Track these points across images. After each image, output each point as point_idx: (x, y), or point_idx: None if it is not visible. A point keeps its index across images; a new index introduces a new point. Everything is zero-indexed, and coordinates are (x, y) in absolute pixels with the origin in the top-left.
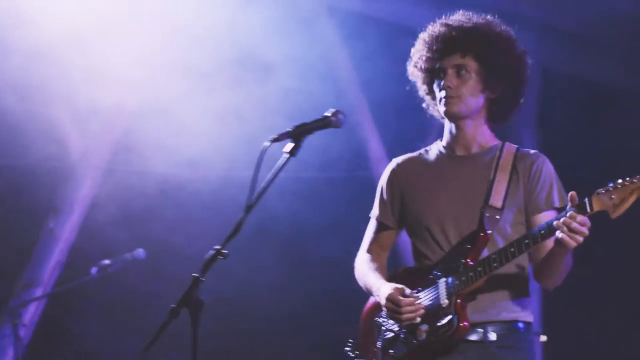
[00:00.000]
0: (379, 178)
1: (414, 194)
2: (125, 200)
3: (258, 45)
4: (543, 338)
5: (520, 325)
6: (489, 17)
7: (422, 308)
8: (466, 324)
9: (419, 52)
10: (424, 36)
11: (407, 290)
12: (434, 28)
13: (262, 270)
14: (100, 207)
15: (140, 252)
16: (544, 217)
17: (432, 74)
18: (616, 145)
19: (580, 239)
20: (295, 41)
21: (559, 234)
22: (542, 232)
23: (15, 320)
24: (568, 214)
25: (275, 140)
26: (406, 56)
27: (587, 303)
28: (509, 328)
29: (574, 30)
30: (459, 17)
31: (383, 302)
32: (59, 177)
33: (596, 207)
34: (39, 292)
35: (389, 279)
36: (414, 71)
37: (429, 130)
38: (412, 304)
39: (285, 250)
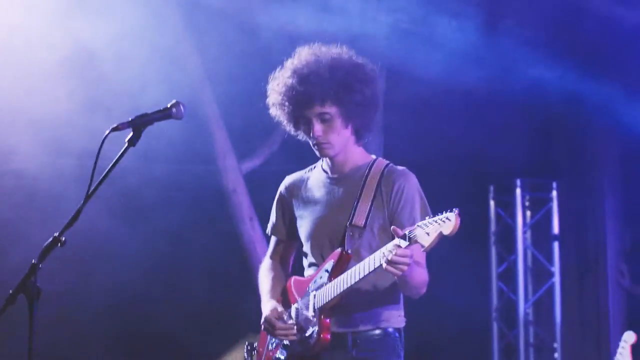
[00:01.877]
0: (223, 171)
1: (296, 213)
2: None
3: (104, 36)
4: None
5: (386, 330)
6: (337, 50)
7: (294, 331)
8: (327, 336)
9: (277, 98)
10: (278, 84)
11: (284, 314)
12: (287, 77)
13: (110, 258)
14: None
15: None
16: None
17: (297, 120)
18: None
19: (404, 268)
20: (144, 32)
21: (385, 266)
22: (375, 261)
23: None
24: (390, 247)
25: (115, 129)
26: (256, 53)
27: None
28: (371, 334)
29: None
30: (309, 58)
31: (262, 320)
32: None
33: (413, 240)
34: None
35: (282, 290)
36: (276, 112)
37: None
38: (283, 328)
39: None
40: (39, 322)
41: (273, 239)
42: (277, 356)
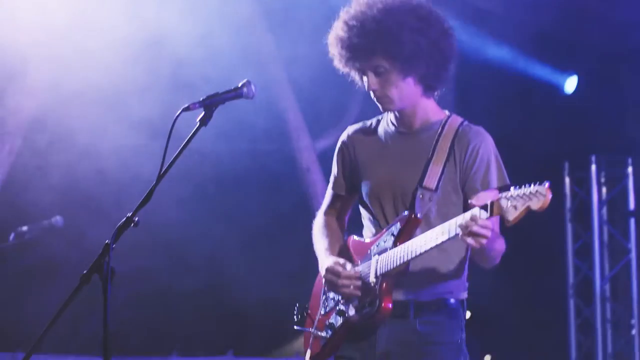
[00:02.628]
0: (298, 151)
1: (359, 166)
2: (45, 167)
3: (174, 21)
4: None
5: (449, 302)
6: None
7: (358, 282)
8: (389, 305)
9: (332, 51)
10: (331, 36)
11: (348, 265)
12: (339, 29)
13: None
14: (19, 173)
15: (58, 219)
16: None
17: (355, 72)
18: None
19: (483, 241)
20: (212, 15)
21: (460, 234)
22: (450, 229)
23: None
24: (468, 217)
25: (186, 109)
26: (325, 32)
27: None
28: (434, 305)
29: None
30: (359, 8)
31: (323, 273)
32: None
33: (496, 212)
34: None
35: (339, 249)
36: (336, 64)
37: (349, 102)
38: (349, 277)
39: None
40: (112, 303)
41: (330, 193)
42: (330, 321)
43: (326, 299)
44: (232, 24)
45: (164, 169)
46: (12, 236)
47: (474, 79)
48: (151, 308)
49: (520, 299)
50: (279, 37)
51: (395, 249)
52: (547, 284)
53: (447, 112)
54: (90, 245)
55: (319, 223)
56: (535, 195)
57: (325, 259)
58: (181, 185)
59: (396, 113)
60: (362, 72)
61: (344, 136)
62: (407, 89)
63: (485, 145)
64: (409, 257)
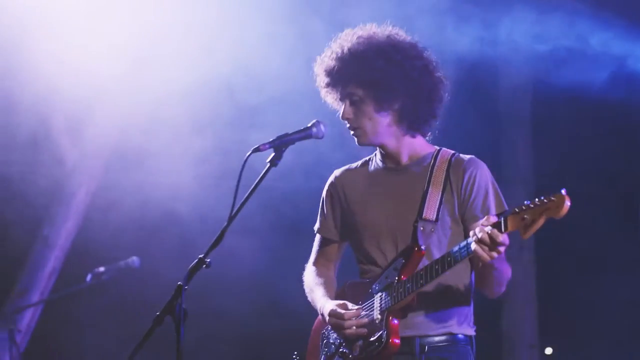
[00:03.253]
0: None
1: (350, 208)
2: (120, 209)
3: (252, 59)
4: (548, 351)
5: (457, 337)
6: (377, 30)
7: (363, 319)
8: (396, 340)
9: (317, 81)
10: (316, 66)
11: (350, 305)
12: (323, 57)
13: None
14: (96, 214)
15: (134, 260)
16: None
17: (335, 102)
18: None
19: (495, 255)
20: (286, 53)
21: (474, 247)
22: (462, 249)
23: (12, 326)
24: (489, 232)
25: (256, 150)
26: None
27: (582, 315)
28: (440, 341)
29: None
30: (342, 39)
31: (327, 318)
32: (54, 185)
33: (510, 227)
34: (35, 298)
35: (336, 295)
36: (321, 94)
37: None
38: (353, 316)
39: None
40: (185, 344)
41: (318, 239)
42: None
43: (326, 344)
44: (305, 63)
45: (234, 210)
46: (89, 277)
47: (550, 115)
48: (227, 350)
49: (598, 339)
50: None
51: (400, 283)
52: (625, 326)
53: (436, 147)
54: (164, 286)
55: (310, 274)
56: (552, 203)
57: (326, 304)
58: (248, 226)
59: (382, 150)
60: (341, 102)
61: (331, 179)
62: (381, 124)
63: (482, 173)
64: (416, 287)
